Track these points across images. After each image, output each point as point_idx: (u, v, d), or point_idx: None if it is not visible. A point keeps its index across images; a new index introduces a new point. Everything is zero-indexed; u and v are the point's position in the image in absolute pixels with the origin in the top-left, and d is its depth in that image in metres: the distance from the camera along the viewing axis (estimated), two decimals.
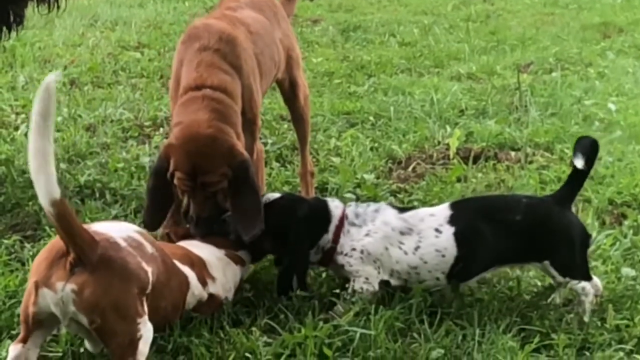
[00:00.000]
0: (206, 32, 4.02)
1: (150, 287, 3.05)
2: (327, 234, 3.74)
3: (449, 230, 3.67)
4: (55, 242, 3.01)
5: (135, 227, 3.28)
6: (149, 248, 3.15)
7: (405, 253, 3.66)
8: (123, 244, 3.03)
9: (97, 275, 2.88)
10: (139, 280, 3.00)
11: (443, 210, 3.74)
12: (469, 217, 3.70)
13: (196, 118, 3.76)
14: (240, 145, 3.81)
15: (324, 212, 3.78)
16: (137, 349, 2.94)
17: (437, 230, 3.67)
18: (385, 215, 3.74)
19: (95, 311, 2.88)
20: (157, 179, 3.82)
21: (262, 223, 3.70)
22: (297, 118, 4.86)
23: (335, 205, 3.82)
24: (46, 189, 2.79)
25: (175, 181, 3.74)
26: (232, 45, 4.01)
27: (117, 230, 3.10)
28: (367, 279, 3.66)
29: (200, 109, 3.79)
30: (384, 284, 3.68)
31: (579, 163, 3.65)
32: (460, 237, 3.66)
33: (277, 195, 3.86)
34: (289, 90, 4.75)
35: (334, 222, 3.76)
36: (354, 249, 3.69)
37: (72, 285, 2.86)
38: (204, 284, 3.50)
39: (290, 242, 3.70)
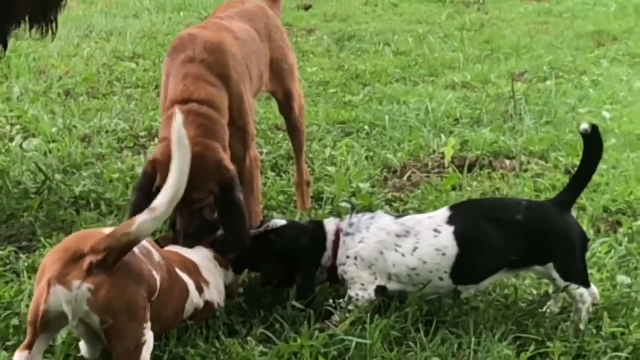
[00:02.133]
0: (191, 43, 3.99)
1: (157, 294, 3.09)
2: (326, 251, 3.76)
3: (448, 230, 3.65)
4: (69, 244, 3.03)
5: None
6: (157, 256, 3.21)
7: (403, 255, 3.65)
8: (136, 250, 3.07)
9: (114, 277, 2.93)
10: (149, 286, 3.06)
11: (442, 213, 3.75)
12: (469, 216, 3.70)
13: None
14: (227, 160, 3.81)
15: (320, 232, 3.80)
16: (140, 355, 2.98)
17: (435, 230, 3.66)
18: (380, 222, 3.74)
19: (109, 312, 2.92)
20: (141, 194, 3.79)
21: (248, 238, 3.73)
22: (293, 129, 4.86)
23: (328, 222, 3.84)
24: (166, 212, 2.99)
25: None
26: (218, 54, 3.99)
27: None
28: (362, 285, 3.65)
29: (186, 125, 3.76)
30: (381, 292, 3.67)
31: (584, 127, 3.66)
32: (460, 235, 3.64)
33: (283, 222, 3.86)
34: (284, 101, 4.75)
35: (330, 237, 3.77)
36: (348, 257, 3.69)
37: (89, 285, 2.90)
38: (200, 290, 3.52)
39: (299, 271, 3.72)
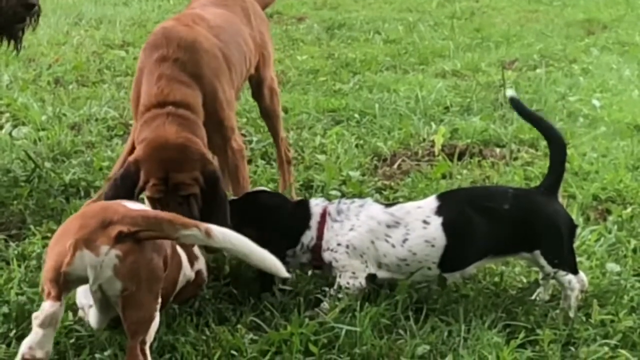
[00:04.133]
0: (165, 40, 3.98)
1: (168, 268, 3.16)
2: (309, 230, 3.75)
3: (437, 221, 3.66)
4: (92, 213, 3.05)
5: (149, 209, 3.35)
6: None
7: (393, 246, 3.66)
8: None
9: (140, 246, 2.98)
10: (165, 258, 3.11)
11: (430, 202, 3.75)
12: (457, 206, 3.70)
13: (163, 131, 3.74)
14: (209, 155, 3.82)
15: (303, 209, 3.80)
16: (149, 328, 3.01)
17: (424, 221, 3.67)
18: (370, 210, 3.74)
19: (133, 279, 2.96)
20: (121, 192, 3.70)
21: None
22: (265, 114, 4.90)
23: (315, 203, 3.83)
24: (216, 245, 3.09)
25: (147, 191, 3.69)
26: (192, 52, 3.98)
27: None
28: (353, 273, 3.66)
29: (166, 123, 3.77)
30: (370, 279, 3.68)
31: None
32: (448, 226, 3.65)
33: (261, 188, 3.87)
34: (255, 86, 4.77)
35: (315, 218, 3.76)
36: (339, 244, 3.69)
37: (117, 251, 2.93)
38: (191, 263, 3.55)
39: (267, 237, 3.72)
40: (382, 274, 3.69)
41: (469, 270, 3.75)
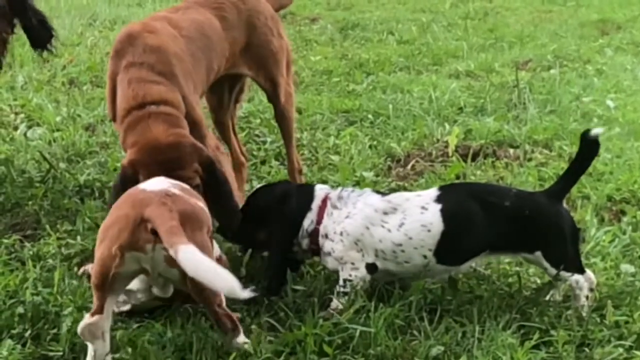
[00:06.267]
0: (130, 47, 3.99)
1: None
2: (310, 212, 3.79)
3: (435, 207, 3.67)
4: (125, 212, 3.11)
5: (174, 181, 3.39)
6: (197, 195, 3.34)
7: (389, 231, 3.66)
8: (180, 192, 3.25)
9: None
10: (208, 226, 3.24)
11: (431, 191, 3.77)
12: (457, 196, 3.72)
13: (152, 132, 3.76)
14: (199, 143, 3.84)
15: (307, 191, 3.86)
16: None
17: (423, 207, 3.68)
18: (368, 199, 3.76)
19: None
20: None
21: (238, 213, 3.79)
22: (280, 117, 4.85)
23: (319, 188, 3.88)
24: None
25: None
26: (158, 54, 3.98)
27: (171, 185, 3.28)
28: (353, 264, 3.67)
29: (152, 124, 3.78)
30: (371, 270, 3.67)
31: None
32: (447, 213, 3.65)
33: (262, 185, 3.92)
34: (270, 89, 4.73)
35: (317, 202, 3.80)
36: (335, 232, 3.71)
37: (162, 244, 3.01)
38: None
39: (273, 223, 3.78)
40: (380, 264, 3.69)
41: (465, 266, 3.75)
